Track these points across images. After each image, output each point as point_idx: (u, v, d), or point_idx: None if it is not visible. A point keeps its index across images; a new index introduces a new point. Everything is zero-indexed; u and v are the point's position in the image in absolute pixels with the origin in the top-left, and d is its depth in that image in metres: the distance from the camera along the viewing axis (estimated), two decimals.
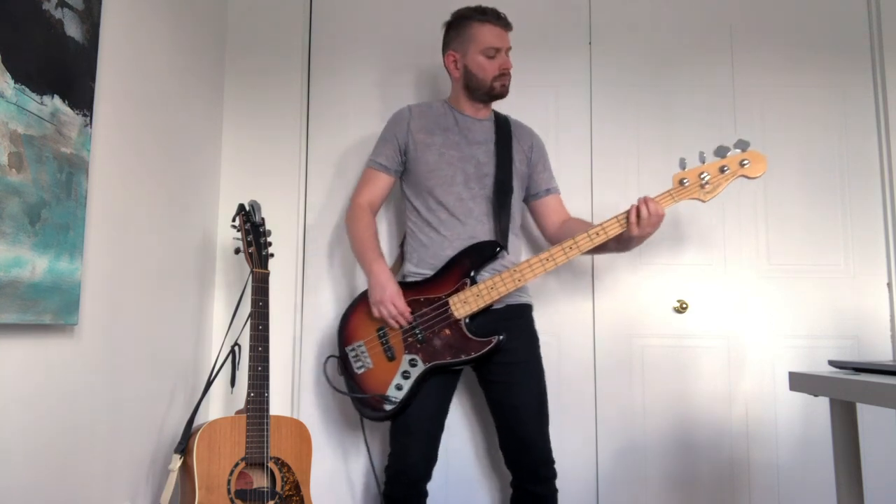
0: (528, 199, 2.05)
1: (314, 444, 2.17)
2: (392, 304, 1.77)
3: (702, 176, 1.80)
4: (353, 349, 1.84)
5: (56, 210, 1.35)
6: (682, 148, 2.32)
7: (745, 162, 1.81)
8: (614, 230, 1.80)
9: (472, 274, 1.82)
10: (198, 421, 1.85)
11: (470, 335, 1.79)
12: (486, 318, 1.83)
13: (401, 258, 2.05)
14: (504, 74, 1.91)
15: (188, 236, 2.06)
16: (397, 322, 1.79)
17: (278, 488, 1.78)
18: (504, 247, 1.86)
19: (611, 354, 2.27)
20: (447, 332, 1.79)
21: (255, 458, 1.75)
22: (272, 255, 1.97)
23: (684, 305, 2.28)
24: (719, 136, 2.33)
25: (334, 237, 2.32)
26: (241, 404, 1.82)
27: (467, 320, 1.80)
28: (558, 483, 1.85)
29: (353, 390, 1.82)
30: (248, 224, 1.92)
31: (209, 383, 1.86)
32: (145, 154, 1.79)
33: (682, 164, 1.81)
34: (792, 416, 2.24)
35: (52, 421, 1.40)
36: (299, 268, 2.30)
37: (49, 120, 1.33)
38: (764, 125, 2.36)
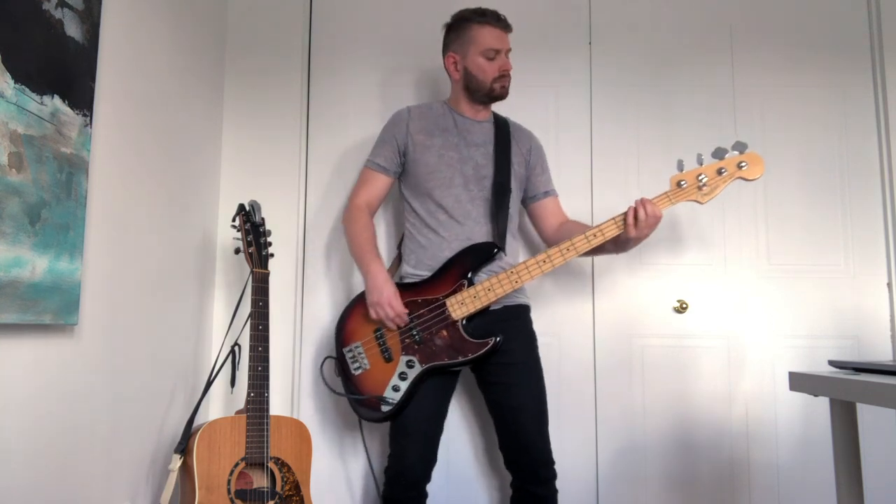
0: (525, 202, 2.05)
1: (313, 445, 2.17)
2: (389, 305, 1.77)
3: (699, 178, 1.80)
4: (350, 350, 1.84)
5: (56, 210, 1.35)
6: (682, 148, 2.32)
7: (743, 164, 1.81)
8: (611, 232, 1.80)
9: (470, 275, 1.82)
10: (198, 421, 1.85)
11: (467, 336, 1.79)
12: (483, 320, 1.83)
13: (398, 259, 2.05)
14: (504, 76, 1.92)
15: (188, 236, 2.06)
16: (394, 324, 1.79)
17: (278, 488, 1.78)
18: (501, 248, 1.86)
19: (611, 354, 2.27)
20: (444, 333, 1.79)
21: (255, 458, 1.75)
22: (272, 255, 1.97)
23: (684, 305, 2.28)
24: (719, 136, 2.33)
25: (333, 237, 2.32)
26: (241, 404, 1.82)
27: (464, 321, 1.80)
28: (558, 483, 1.85)
29: (350, 392, 1.82)
30: (248, 224, 1.92)
31: (209, 383, 1.86)
32: (145, 154, 1.79)
33: (680, 166, 1.81)
34: (792, 416, 2.24)
35: (52, 421, 1.40)
36: (299, 268, 2.30)
37: (49, 120, 1.33)
38: (764, 125, 2.36)
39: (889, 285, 2.29)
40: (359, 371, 1.82)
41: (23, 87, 1.26)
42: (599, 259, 2.29)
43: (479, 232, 1.88)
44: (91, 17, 1.48)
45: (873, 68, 2.38)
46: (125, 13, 1.68)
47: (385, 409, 1.78)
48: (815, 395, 1.23)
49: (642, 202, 1.76)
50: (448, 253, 1.85)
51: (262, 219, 1.95)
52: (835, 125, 2.37)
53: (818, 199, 2.34)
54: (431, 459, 1.84)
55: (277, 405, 2.23)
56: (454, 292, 1.81)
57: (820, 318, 2.28)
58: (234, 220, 1.93)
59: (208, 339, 2.23)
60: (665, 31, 2.41)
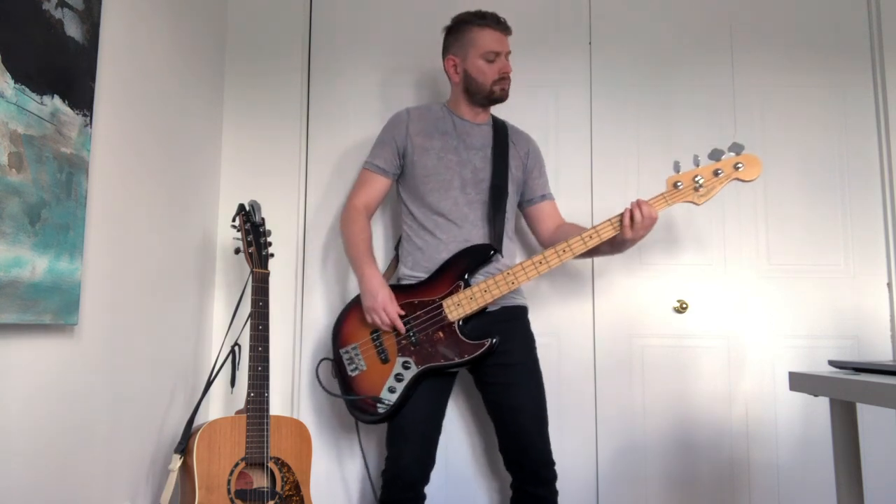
0: (522, 205, 2.05)
1: (313, 445, 2.17)
2: (384, 310, 1.77)
3: (696, 179, 1.81)
4: (346, 352, 1.84)
5: (56, 210, 1.35)
6: (681, 148, 2.32)
7: (740, 165, 1.81)
8: (607, 233, 1.80)
9: (466, 277, 1.82)
10: (198, 421, 1.85)
11: (463, 338, 1.79)
12: (480, 321, 1.83)
13: (395, 261, 2.05)
14: (504, 78, 1.92)
15: (188, 236, 2.06)
16: (390, 328, 1.79)
17: (278, 488, 1.77)
18: (498, 250, 1.86)
19: (611, 354, 2.27)
20: (441, 334, 1.79)
21: (255, 458, 1.75)
22: (272, 255, 1.97)
23: (684, 305, 2.28)
24: (719, 135, 2.33)
25: (332, 237, 2.32)
26: (241, 404, 1.82)
27: (461, 323, 1.80)
28: (558, 483, 1.85)
29: (347, 393, 1.82)
30: (248, 224, 1.92)
31: (209, 383, 1.86)
32: (145, 154, 1.79)
33: (677, 168, 1.81)
34: (792, 416, 2.24)
35: (52, 421, 1.40)
36: (299, 268, 2.30)
37: (49, 120, 1.33)
38: (764, 125, 2.36)
39: (889, 285, 2.29)
40: (355, 372, 1.82)
41: (23, 87, 1.26)
42: (599, 260, 2.29)
43: (477, 235, 1.88)
44: (91, 17, 1.48)
45: (873, 68, 2.38)
46: (125, 13, 1.68)
47: (381, 410, 1.78)
48: (815, 395, 1.23)
49: (638, 203, 1.76)
50: (445, 255, 1.85)
51: (262, 219, 1.95)
52: (835, 125, 2.37)
53: (818, 199, 2.34)
54: (428, 461, 1.84)
55: (277, 405, 2.23)
56: (451, 294, 1.81)
57: (820, 318, 2.28)
58: (234, 220, 1.93)
59: (208, 339, 2.23)
60: (665, 31, 2.41)
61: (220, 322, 2.26)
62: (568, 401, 2.24)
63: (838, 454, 1.29)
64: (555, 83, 2.38)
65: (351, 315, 1.87)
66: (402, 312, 1.80)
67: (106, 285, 1.60)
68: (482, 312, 1.83)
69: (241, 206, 1.92)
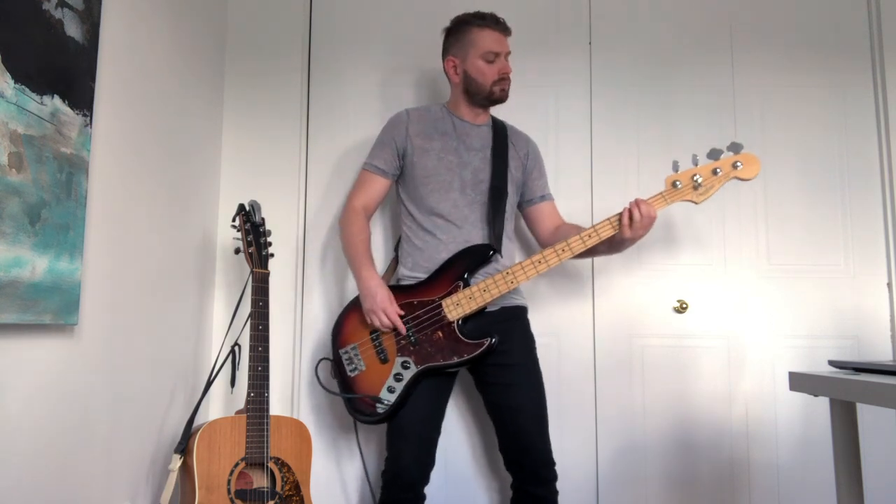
0: (522, 205, 2.05)
1: (312, 445, 2.17)
2: (383, 311, 1.77)
3: (694, 178, 1.81)
4: (346, 352, 1.84)
5: (56, 210, 1.35)
6: (682, 148, 2.32)
7: (738, 164, 1.81)
8: (606, 232, 1.80)
9: (466, 276, 1.82)
10: (198, 421, 1.85)
11: (462, 337, 1.79)
12: (480, 321, 1.83)
13: (395, 262, 2.05)
14: (504, 79, 1.92)
15: (188, 236, 2.06)
16: (390, 328, 1.79)
17: (278, 488, 1.78)
18: (498, 250, 1.86)
19: (611, 354, 2.27)
20: (440, 334, 1.79)
21: (255, 458, 1.75)
22: (272, 255, 1.97)
23: (684, 305, 2.28)
24: (719, 135, 2.33)
25: (332, 237, 2.32)
26: (241, 404, 1.82)
27: (460, 322, 1.80)
28: (558, 483, 1.85)
29: (346, 394, 1.82)
30: (248, 224, 1.92)
31: (209, 383, 1.86)
32: (145, 154, 1.79)
33: (675, 167, 1.82)
34: (792, 416, 2.24)
35: (52, 421, 1.40)
36: (299, 268, 2.30)
37: (49, 120, 1.33)
38: (764, 125, 2.36)
39: (889, 285, 2.29)
40: (355, 372, 1.82)
41: (23, 87, 1.26)
42: (599, 260, 2.29)
43: (477, 235, 1.88)
44: (91, 17, 1.48)
45: (873, 68, 2.38)
46: (125, 13, 1.68)
47: (380, 410, 1.78)
48: (815, 395, 1.23)
49: (637, 203, 1.76)
50: (445, 255, 1.85)
51: (262, 219, 1.95)
52: (835, 125, 2.37)
53: (818, 199, 2.34)
54: (428, 461, 1.84)
55: (277, 405, 2.23)
56: (450, 294, 1.81)
57: (820, 318, 2.28)
58: (234, 220, 1.93)
59: (208, 339, 2.23)
60: (665, 31, 2.41)
61: (220, 322, 2.26)
62: (568, 401, 2.24)
63: (838, 454, 1.29)
64: (555, 83, 2.38)
65: (350, 315, 1.88)
66: (402, 313, 1.80)
67: (106, 285, 1.60)
68: (482, 312, 1.83)
69: (241, 206, 1.92)
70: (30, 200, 1.28)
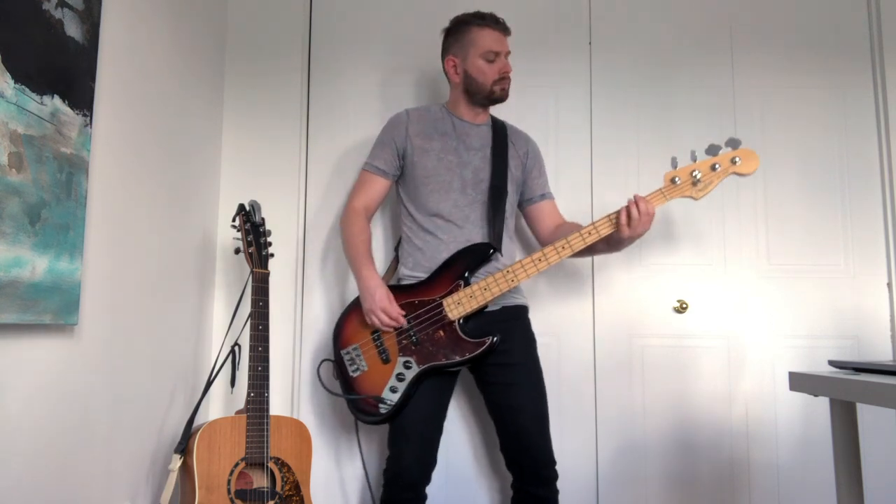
0: (522, 204, 2.05)
1: (312, 446, 2.17)
2: (382, 311, 1.77)
3: (693, 174, 1.81)
4: (347, 352, 1.84)
5: (56, 210, 1.35)
6: (681, 148, 2.32)
7: (737, 159, 1.82)
8: (606, 229, 1.80)
9: (466, 275, 1.82)
10: (198, 421, 1.85)
11: (464, 336, 1.79)
12: (481, 320, 1.83)
13: (395, 262, 2.05)
14: (504, 78, 1.92)
15: (188, 236, 2.06)
16: (390, 328, 1.79)
17: (278, 488, 1.77)
18: (498, 249, 1.86)
19: (611, 355, 2.27)
20: (441, 333, 1.79)
21: (255, 458, 1.75)
22: (272, 255, 1.97)
23: (684, 305, 2.28)
24: (719, 136, 2.33)
25: (333, 237, 2.32)
26: (241, 404, 1.82)
27: (461, 321, 1.80)
28: (558, 483, 1.85)
29: (348, 394, 1.82)
30: (248, 224, 1.92)
31: (209, 383, 1.86)
32: (145, 154, 1.79)
33: (674, 163, 1.82)
34: (792, 416, 2.24)
35: (52, 421, 1.40)
36: (299, 268, 2.30)
37: (49, 120, 1.33)
38: (764, 125, 2.36)
39: (889, 285, 2.29)
40: (357, 373, 1.82)
41: (23, 87, 1.26)
42: (599, 259, 2.29)
43: (477, 235, 1.89)
44: (91, 17, 1.48)
45: (873, 68, 2.38)
46: (125, 13, 1.68)
47: (383, 410, 1.78)
48: (815, 395, 1.23)
49: (635, 199, 1.76)
50: (446, 255, 1.85)
51: (262, 219, 1.95)
52: (835, 125, 2.37)
53: (818, 199, 2.34)
54: (430, 461, 1.84)
55: (277, 405, 2.23)
56: (450, 293, 1.81)
57: (820, 318, 2.28)
58: (234, 220, 1.93)
59: (208, 339, 2.23)
60: (665, 31, 2.41)
61: (220, 322, 2.26)
62: (568, 401, 2.24)
63: (838, 454, 1.29)
64: (555, 83, 2.38)
65: (351, 316, 1.88)
66: (403, 312, 1.80)
67: (106, 285, 1.60)
68: (483, 312, 1.83)
69: (241, 206, 1.92)
70: (30, 200, 1.28)
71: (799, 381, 1.27)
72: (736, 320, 2.28)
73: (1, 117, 1.20)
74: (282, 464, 1.79)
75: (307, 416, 2.25)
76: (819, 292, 2.29)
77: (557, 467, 1.85)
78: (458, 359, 1.78)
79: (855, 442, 1.28)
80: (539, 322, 2.02)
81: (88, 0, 1.47)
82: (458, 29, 1.94)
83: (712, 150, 1.82)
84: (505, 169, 1.94)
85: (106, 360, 1.61)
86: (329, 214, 2.33)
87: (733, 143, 1.83)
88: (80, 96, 1.44)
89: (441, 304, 1.80)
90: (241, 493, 1.73)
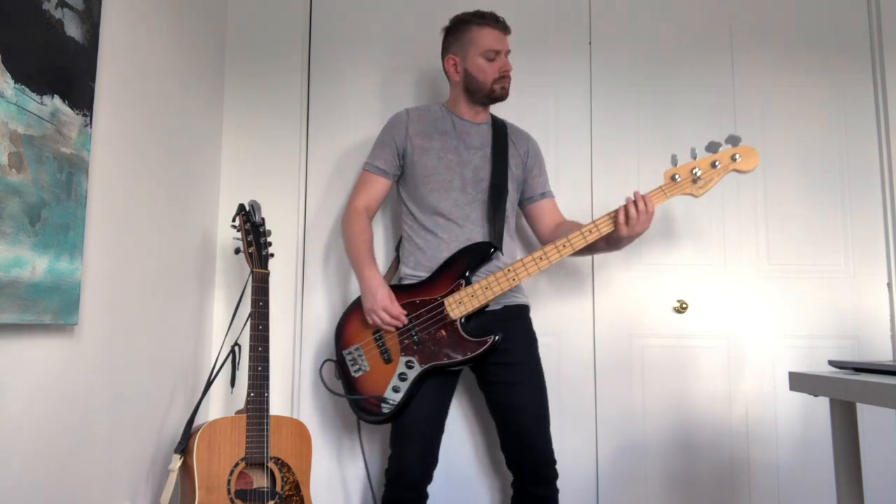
0: (523, 203, 2.05)
1: (313, 446, 2.17)
2: (383, 310, 1.78)
3: (693, 171, 1.81)
4: (349, 353, 1.84)
5: (56, 210, 1.35)
6: (681, 148, 2.31)
7: (737, 156, 1.82)
8: (606, 227, 1.80)
9: (467, 275, 1.82)
10: (198, 421, 1.85)
11: (466, 335, 1.79)
12: (482, 319, 1.83)
13: (396, 262, 2.05)
14: (504, 77, 1.92)
15: (188, 236, 2.06)
16: (392, 327, 1.79)
17: (278, 488, 1.77)
18: (498, 248, 1.86)
19: (611, 354, 2.27)
20: (443, 333, 1.79)
21: (255, 458, 1.75)
22: (272, 255, 1.97)
23: (684, 305, 2.28)
24: (719, 135, 2.32)
25: (333, 237, 2.32)
26: (241, 404, 1.82)
27: (463, 320, 1.80)
28: (558, 482, 1.85)
29: (351, 394, 1.82)
30: (248, 224, 1.92)
31: (209, 383, 1.86)
32: (145, 154, 1.79)
33: (674, 161, 1.82)
34: (792, 416, 2.24)
35: (52, 421, 1.40)
36: (299, 268, 2.30)
37: (49, 120, 1.33)
38: (764, 125, 2.36)
39: (889, 285, 2.29)
40: (359, 373, 1.82)
41: (23, 87, 1.26)
42: (599, 259, 2.29)
43: (478, 234, 1.89)
44: (91, 17, 1.48)
45: (873, 68, 2.38)
46: (125, 13, 1.68)
47: (385, 409, 1.78)
48: (815, 395, 1.23)
49: (635, 196, 1.76)
50: (447, 254, 1.85)
51: (262, 219, 1.95)
52: (835, 125, 2.37)
53: (818, 199, 2.34)
54: (432, 461, 1.84)
55: (277, 405, 2.23)
56: (452, 292, 1.81)
57: (820, 318, 2.28)
58: (234, 220, 1.93)
59: (208, 339, 2.23)
60: (665, 31, 2.41)
61: (220, 322, 2.26)
62: (568, 401, 2.24)
63: (838, 454, 1.29)
64: (555, 83, 2.38)
65: (353, 316, 1.88)
66: (404, 312, 1.80)
67: (106, 285, 1.60)
68: (484, 311, 1.83)
69: (241, 206, 1.92)
70: (30, 200, 1.28)
71: (799, 381, 1.27)
72: (736, 320, 2.28)
73: (1, 117, 1.20)
74: (282, 464, 1.79)
75: (309, 415, 2.25)
76: (819, 292, 2.29)
77: (557, 466, 1.85)
78: (460, 358, 1.78)
79: (855, 442, 1.28)
80: (539, 321, 2.02)
81: (88, 0, 1.47)
82: (459, 28, 1.94)
83: (712, 148, 1.82)
84: (505, 168, 1.94)
85: (106, 359, 1.61)
86: (329, 214, 2.33)
87: (733, 141, 1.83)
88: (80, 96, 1.44)
89: (442, 304, 1.80)
90: (241, 493, 1.73)
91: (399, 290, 1.85)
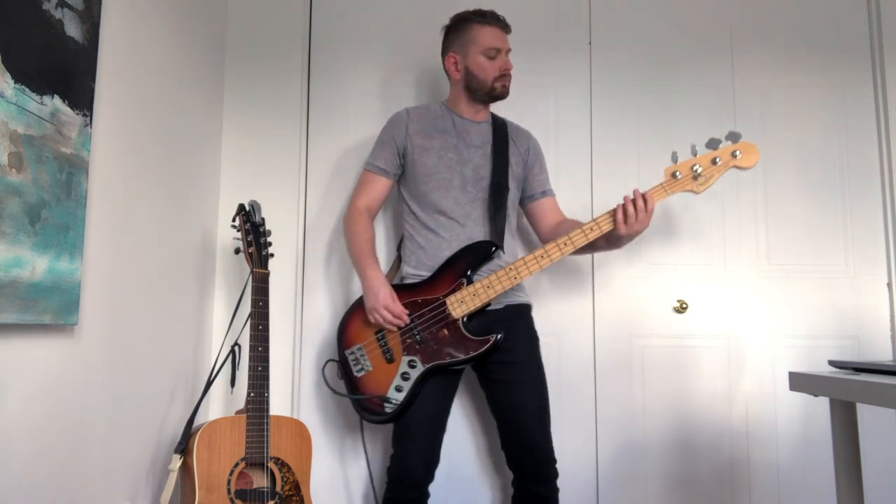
0: (523, 202, 2.05)
1: (314, 446, 2.17)
2: (385, 309, 1.78)
3: (694, 168, 1.81)
4: (352, 353, 1.84)
5: (56, 210, 1.35)
6: (681, 148, 2.32)
7: (737, 153, 1.82)
8: (608, 225, 1.80)
9: (469, 273, 1.82)
10: (198, 421, 1.85)
11: (468, 334, 1.79)
12: (485, 319, 1.83)
13: (398, 261, 2.05)
14: (505, 75, 1.92)
15: (188, 236, 2.06)
16: (394, 325, 1.79)
17: (278, 488, 1.77)
18: (500, 247, 1.87)
19: (611, 354, 2.27)
20: (445, 332, 1.79)
21: (255, 458, 1.75)
22: (272, 255, 1.97)
23: (684, 305, 2.28)
24: (719, 134, 2.32)
25: (333, 237, 2.32)
26: (241, 404, 1.82)
27: (465, 319, 1.80)
28: (558, 482, 1.85)
29: (354, 394, 1.82)
30: (248, 224, 1.92)
31: (209, 383, 1.86)
32: (145, 154, 1.79)
33: (674, 158, 1.82)
34: (792, 416, 2.24)
35: (52, 421, 1.40)
36: (299, 268, 2.30)
37: (49, 120, 1.33)
38: (764, 125, 2.36)
39: (889, 285, 2.29)
40: (361, 373, 1.82)
41: (23, 87, 1.26)
42: (599, 259, 2.29)
43: (479, 233, 1.89)
44: (91, 17, 1.48)
45: (873, 68, 2.38)
46: (125, 13, 1.68)
47: (388, 409, 1.78)
48: (815, 395, 1.23)
49: (634, 195, 1.76)
50: (448, 253, 1.86)
51: (262, 219, 1.95)
52: (835, 125, 2.37)
53: (818, 199, 2.34)
54: (434, 460, 1.84)
55: (277, 405, 2.23)
56: (454, 291, 1.81)
57: (820, 318, 2.28)
58: (234, 220, 1.93)
59: (208, 339, 2.23)
60: (665, 31, 2.41)
61: (220, 322, 2.26)
62: (568, 401, 2.24)
63: (838, 454, 1.29)
64: (555, 83, 2.38)
65: (355, 316, 1.88)
66: (406, 311, 1.80)
67: (106, 285, 1.60)
68: (486, 311, 1.83)
69: (241, 206, 1.92)
70: (30, 200, 1.28)
71: (799, 381, 1.27)
72: (736, 320, 2.28)
73: (1, 117, 1.20)
74: (282, 464, 1.79)
75: (312, 415, 2.25)
76: (819, 292, 2.29)
77: (557, 466, 1.85)
78: (462, 357, 1.78)
79: (855, 442, 1.28)
80: (539, 321, 2.02)
81: (88, 0, 1.47)
82: (460, 26, 1.94)
83: (712, 144, 1.82)
84: (506, 166, 1.94)
85: (106, 359, 1.61)
86: (329, 214, 2.33)
87: (733, 137, 1.83)
88: (80, 96, 1.44)
89: (444, 303, 1.80)
90: (241, 493, 1.73)
91: (401, 289, 1.85)
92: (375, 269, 1.85)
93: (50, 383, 1.39)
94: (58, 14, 1.36)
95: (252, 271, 1.88)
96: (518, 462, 1.85)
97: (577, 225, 1.89)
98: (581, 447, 2.23)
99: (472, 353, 1.78)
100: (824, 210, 2.33)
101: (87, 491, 1.53)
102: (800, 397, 2.24)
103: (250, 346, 1.82)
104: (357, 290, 2.27)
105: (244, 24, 2.38)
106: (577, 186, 2.32)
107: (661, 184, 1.82)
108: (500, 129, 1.99)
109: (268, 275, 1.91)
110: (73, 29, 1.41)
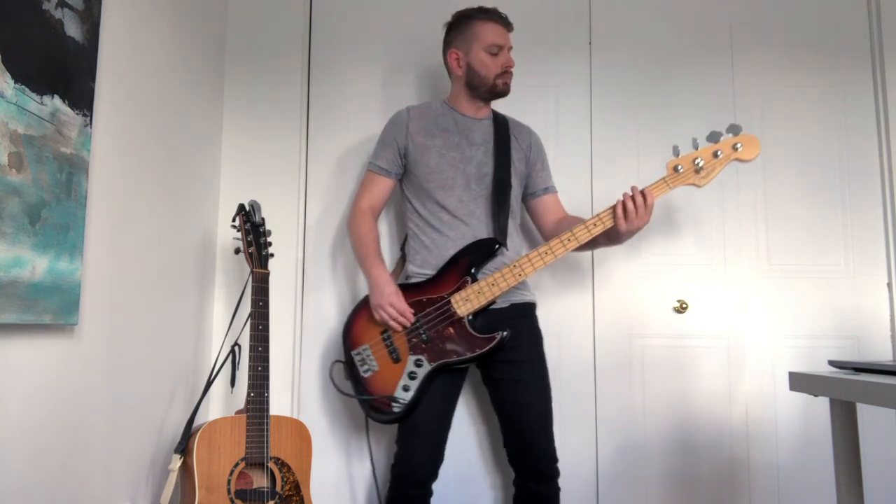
0: (526, 198, 2.05)
1: (318, 446, 2.17)
2: (391, 306, 1.78)
3: (696, 161, 1.81)
4: (358, 353, 1.84)
5: (56, 210, 1.35)
6: (682, 146, 2.32)
7: (738, 145, 1.82)
8: (611, 221, 1.81)
9: (473, 271, 1.82)
10: (198, 421, 1.85)
11: (474, 332, 1.79)
12: (489, 317, 1.83)
13: (402, 260, 2.05)
14: (506, 72, 1.92)
15: (188, 236, 2.06)
16: (399, 324, 1.79)
17: (278, 488, 1.78)
18: (503, 244, 1.87)
19: (611, 354, 2.27)
20: (451, 330, 1.80)
21: (255, 458, 1.75)
22: (272, 255, 1.97)
23: (684, 305, 2.28)
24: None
25: (333, 237, 2.32)
26: (241, 404, 1.82)
27: (470, 318, 1.80)
28: (559, 482, 1.85)
29: (361, 394, 1.82)
30: (248, 224, 1.92)
31: (209, 383, 1.86)
32: (145, 154, 1.79)
33: (676, 152, 1.82)
34: (792, 416, 2.24)
35: (52, 421, 1.40)
36: (299, 268, 2.30)
37: (49, 120, 1.33)
38: (764, 125, 2.36)
39: (889, 285, 2.29)
40: (368, 373, 1.82)
41: (23, 87, 1.26)
42: (599, 259, 2.29)
43: (483, 230, 1.89)
44: (91, 17, 1.48)
45: (873, 68, 2.38)
46: (125, 13, 1.68)
47: (396, 409, 1.78)
48: (815, 395, 1.23)
49: (633, 192, 1.76)
50: (452, 251, 1.86)
51: (262, 219, 1.95)
52: (835, 125, 2.37)
53: (818, 199, 2.34)
54: (439, 458, 1.85)
55: (278, 405, 2.23)
56: (458, 289, 1.81)
57: (820, 318, 2.28)
58: (234, 220, 1.93)
59: (208, 339, 2.23)
60: (665, 31, 2.41)
61: (220, 322, 2.26)
62: (568, 400, 2.24)
63: (838, 454, 1.29)
64: (555, 83, 2.38)
65: (360, 316, 1.88)
66: (412, 310, 1.80)
67: (106, 285, 1.60)
68: (491, 309, 1.83)
69: (241, 206, 1.92)
70: (30, 200, 1.28)
71: (799, 381, 1.27)
72: (736, 320, 2.28)
73: (1, 117, 1.20)
74: (282, 464, 1.79)
75: (317, 416, 2.25)
76: (819, 292, 2.29)
77: (558, 465, 1.85)
78: (468, 355, 1.78)
79: (855, 442, 1.28)
80: (540, 321, 2.02)
81: (88, 0, 1.47)
82: (462, 22, 1.95)
83: (713, 137, 1.82)
84: (508, 162, 1.94)
85: (106, 359, 1.61)
86: (329, 214, 2.33)
87: (734, 130, 1.83)
88: (80, 96, 1.44)
89: (449, 302, 1.80)
90: (241, 493, 1.73)
91: (406, 288, 1.85)
92: (381, 268, 1.85)
93: (50, 383, 1.39)
94: (58, 14, 1.36)
95: (252, 271, 1.88)
96: (520, 460, 1.85)
97: (579, 221, 1.89)
98: (581, 447, 2.23)
99: (479, 351, 1.78)
100: (824, 210, 2.33)
101: (87, 491, 1.53)
102: (800, 397, 2.24)
103: (250, 346, 1.82)
104: (360, 291, 2.27)
105: (244, 24, 2.38)
106: (577, 186, 2.32)
107: (664, 178, 1.82)
108: (502, 126, 1.99)
109: (268, 275, 1.91)
110: (73, 29, 1.41)
